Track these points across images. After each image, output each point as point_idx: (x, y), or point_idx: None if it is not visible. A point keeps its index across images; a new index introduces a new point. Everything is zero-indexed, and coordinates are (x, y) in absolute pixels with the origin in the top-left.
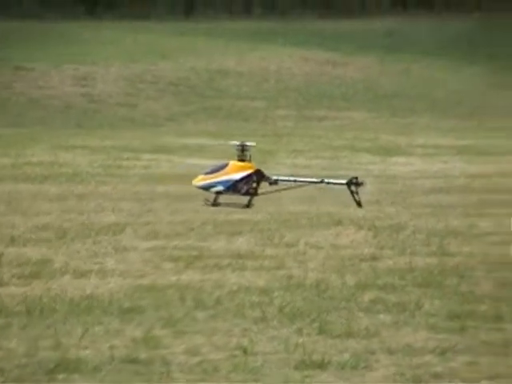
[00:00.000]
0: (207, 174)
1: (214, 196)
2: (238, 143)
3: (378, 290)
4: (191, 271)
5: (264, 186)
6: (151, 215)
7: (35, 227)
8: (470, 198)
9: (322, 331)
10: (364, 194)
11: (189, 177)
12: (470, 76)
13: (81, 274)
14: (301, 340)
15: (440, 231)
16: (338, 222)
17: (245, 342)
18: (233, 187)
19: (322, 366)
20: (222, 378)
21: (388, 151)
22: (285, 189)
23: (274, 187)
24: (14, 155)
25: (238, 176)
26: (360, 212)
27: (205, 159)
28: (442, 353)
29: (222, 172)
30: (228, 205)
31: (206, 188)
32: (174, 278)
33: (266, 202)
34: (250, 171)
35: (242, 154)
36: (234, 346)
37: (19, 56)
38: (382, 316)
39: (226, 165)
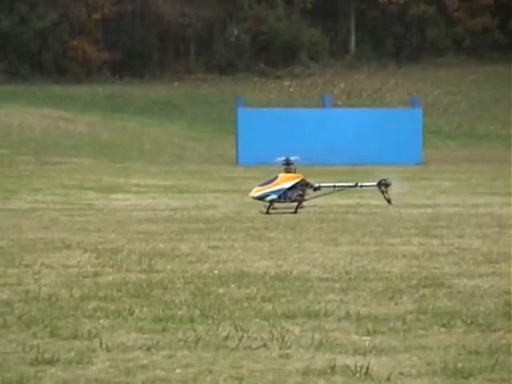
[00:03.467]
0: (261, 185)
1: (268, 204)
2: (283, 159)
3: (100, 301)
4: None
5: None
6: None
7: None
8: (173, 227)
9: (53, 334)
10: (391, 193)
11: None
12: (171, 131)
13: None
14: (35, 342)
15: (149, 252)
16: (68, 247)
17: None
18: (284, 195)
19: (52, 362)
20: None
21: (109, 189)
22: (327, 193)
23: (318, 192)
24: None
25: (288, 185)
26: (85, 238)
27: None
28: (148, 349)
29: (273, 183)
30: (279, 211)
31: (262, 198)
32: None
33: (7, 231)
34: (297, 180)
35: (288, 167)
36: None
37: None
38: (102, 321)
39: (276, 177)
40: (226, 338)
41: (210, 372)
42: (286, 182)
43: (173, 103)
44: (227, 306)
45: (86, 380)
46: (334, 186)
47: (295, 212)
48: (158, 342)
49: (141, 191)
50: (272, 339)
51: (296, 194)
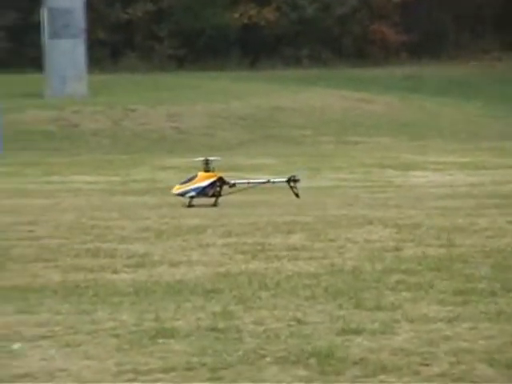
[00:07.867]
0: (182, 183)
1: (188, 200)
2: (202, 159)
3: (401, 274)
4: (257, 261)
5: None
6: (226, 219)
7: (139, 229)
8: (471, 202)
9: (357, 306)
10: (300, 188)
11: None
12: (467, 110)
13: (173, 264)
14: (341, 313)
15: (447, 227)
16: (370, 222)
17: (298, 314)
18: (202, 192)
19: (357, 332)
20: (282, 343)
21: (407, 167)
22: (242, 189)
23: (234, 189)
24: (123, 174)
25: (205, 183)
26: (386, 214)
27: (268, 175)
28: (450, 321)
29: (193, 181)
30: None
31: (183, 194)
32: (243, 267)
33: (312, 208)
34: (214, 179)
35: (207, 166)
36: (290, 318)
37: (126, 100)
38: (404, 293)
39: (196, 175)
40: None
41: None
42: (204, 180)
43: (469, 82)
44: None
45: (392, 349)
46: (248, 183)
47: (214, 205)
48: (459, 314)
49: (438, 168)
50: None
51: (213, 191)
